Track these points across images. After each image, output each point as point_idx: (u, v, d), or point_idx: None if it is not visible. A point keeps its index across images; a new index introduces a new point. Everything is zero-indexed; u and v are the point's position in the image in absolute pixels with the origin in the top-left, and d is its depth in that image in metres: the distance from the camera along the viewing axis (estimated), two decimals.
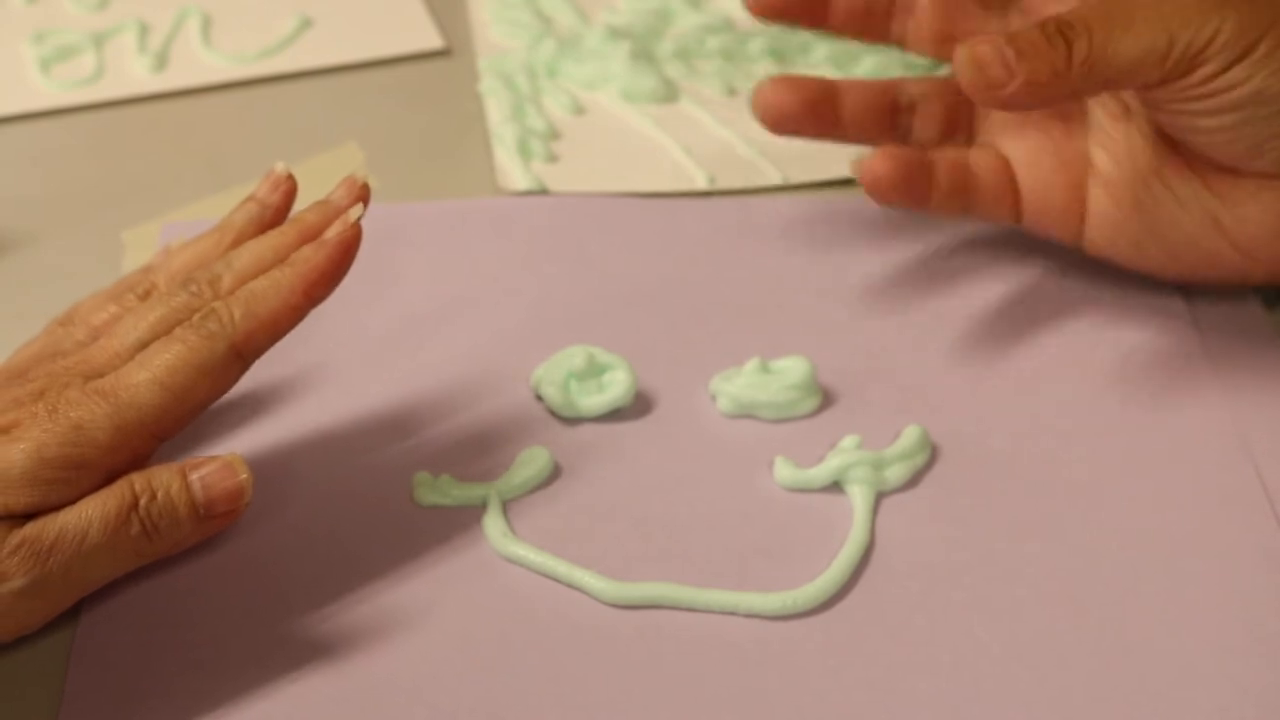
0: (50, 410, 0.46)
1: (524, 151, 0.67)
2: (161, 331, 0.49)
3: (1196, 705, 0.47)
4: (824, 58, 0.72)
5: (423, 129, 0.69)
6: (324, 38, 0.74)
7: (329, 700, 0.47)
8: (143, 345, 0.49)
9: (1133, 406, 0.56)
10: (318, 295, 0.50)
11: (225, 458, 0.48)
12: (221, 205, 0.62)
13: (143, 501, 0.46)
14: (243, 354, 0.49)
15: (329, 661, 0.48)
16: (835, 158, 0.66)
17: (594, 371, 0.56)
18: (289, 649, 0.48)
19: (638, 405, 0.56)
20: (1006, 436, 0.55)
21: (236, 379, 0.49)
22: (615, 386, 0.56)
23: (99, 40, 0.73)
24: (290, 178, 0.55)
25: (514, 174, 0.66)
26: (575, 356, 0.56)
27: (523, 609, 0.50)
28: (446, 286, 0.61)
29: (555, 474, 0.54)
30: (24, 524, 0.45)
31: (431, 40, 0.74)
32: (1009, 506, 0.53)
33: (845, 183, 0.66)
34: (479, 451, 0.54)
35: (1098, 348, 0.58)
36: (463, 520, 0.52)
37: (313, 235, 0.51)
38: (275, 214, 0.55)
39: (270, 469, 0.54)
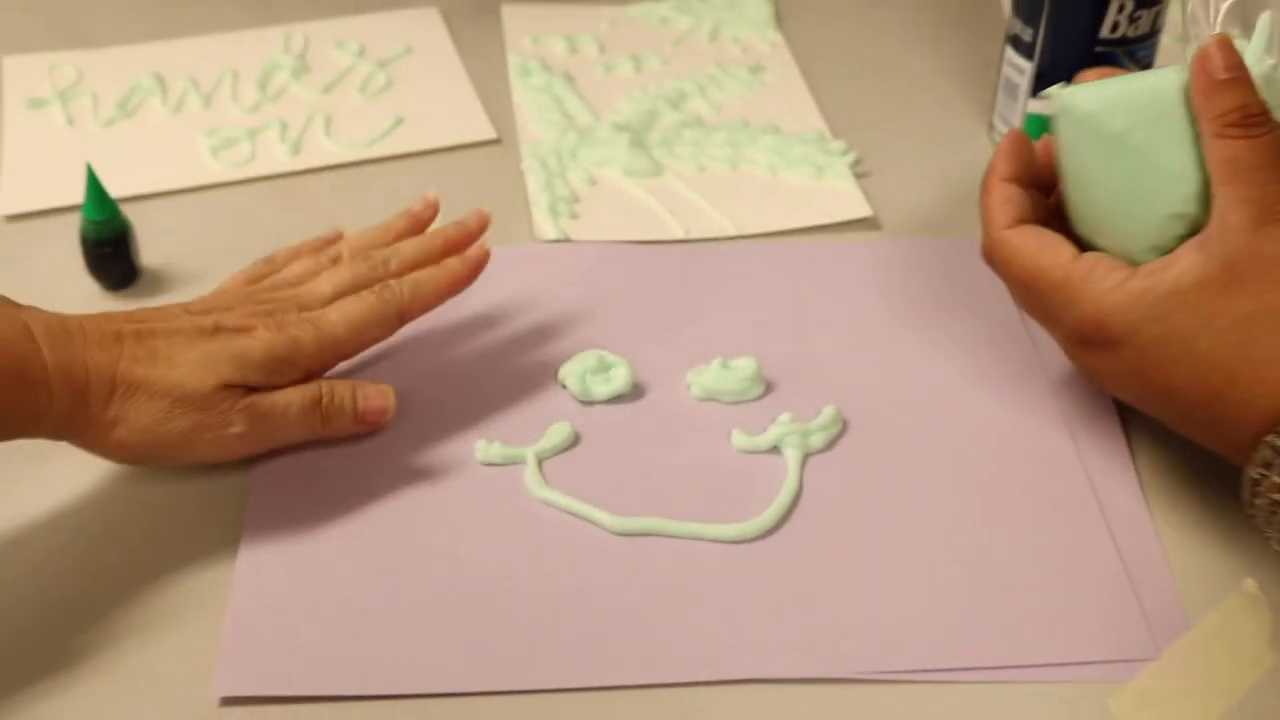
0: (279, 325, 0.51)
1: (554, 212, 0.67)
2: (348, 289, 0.54)
3: (1023, 588, 0.48)
4: (764, 148, 0.71)
5: (481, 195, 0.68)
6: (411, 131, 0.74)
7: (414, 584, 0.48)
8: (336, 295, 0.54)
9: (987, 394, 0.56)
10: (456, 292, 0.56)
11: (382, 386, 0.53)
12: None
13: (324, 399, 0.52)
14: (403, 318, 0.54)
15: (415, 565, 0.49)
16: (773, 216, 0.66)
17: (603, 368, 0.56)
18: (394, 549, 0.49)
19: (634, 392, 0.56)
20: (898, 414, 0.55)
21: (393, 333, 0.54)
22: (618, 379, 0.56)
23: (252, 134, 0.73)
24: (436, 201, 0.60)
25: (546, 227, 0.66)
26: (590, 357, 0.56)
27: (552, 536, 0.50)
28: (498, 308, 0.61)
29: (576, 441, 0.54)
30: (250, 394, 0.50)
31: (487, 132, 0.74)
32: (899, 463, 0.53)
33: (782, 233, 0.66)
34: (521, 425, 0.54)
35: (966, 356, 0.58)
36: (509, 474, 0.53)
37: (453, 246, 0.57)
38: (423, 224, 0.60)
39: (381, 434, 0.54)
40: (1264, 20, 0.49)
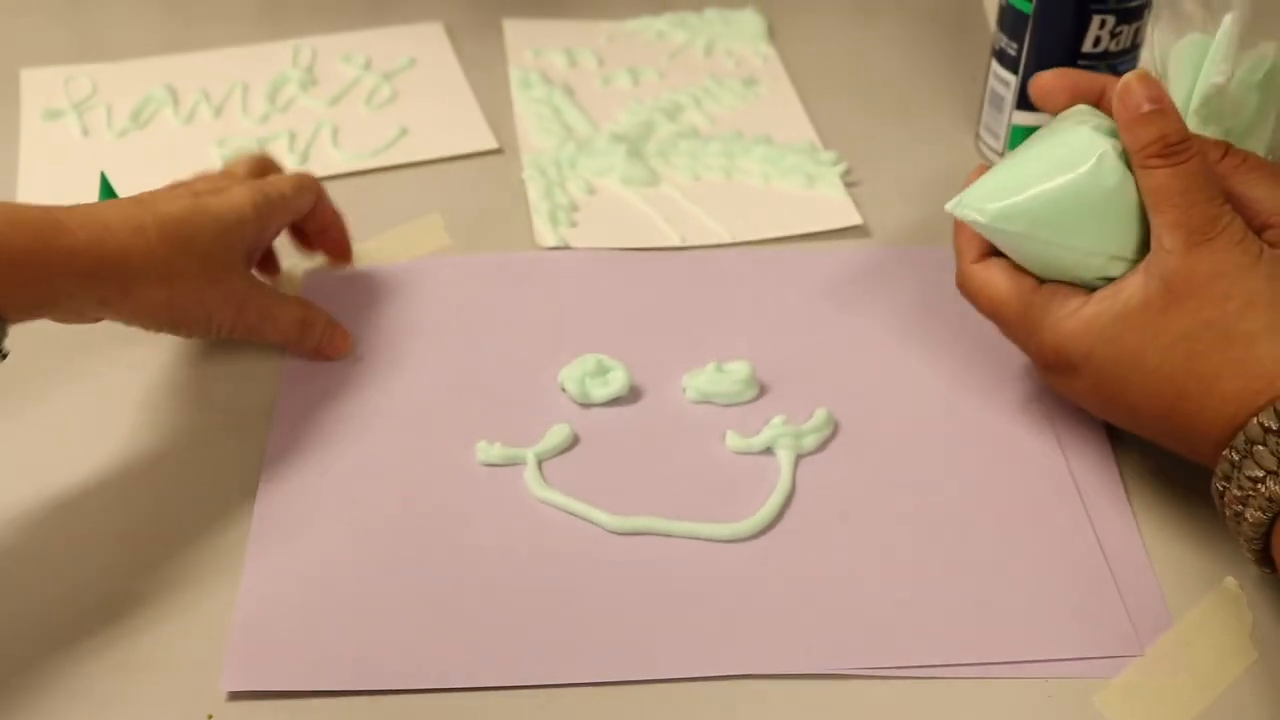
0: (245, 184, 0.55)
1: (554, 220, 0.66)
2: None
3: (1010, 586, 0.48)
4: (757, 158, 0.71)
5: (483, 204, 0.68)
6: (416, 141, 0.73)
7: (418, 582, 0.48)
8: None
9: (974, 397, 0.56)
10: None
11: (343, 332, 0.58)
12: None
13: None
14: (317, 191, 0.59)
15: (419, 563, 0.48)
16: (766, 224, 0.66)
17: (601, 371, 0.56)
18: (398, 547, 0.49)
19: (631, 395, 0.56)
20: (888, 417, 0.55)
21: (311, 204, 0.59)
22: (616, 382, 0.55)
23: (262, 143, 0.73)
24: None
25: (547, 235, 0.65)
26: (589, 361, 0.56)
27: (551, 535, 0.50)
28: (500, 313, 0.60)
29: (575, 442, 0.54)
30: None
31: (490, 143, 0.73)
32: (889, 465, 0.53)
33: (775, 241, 0.65)
34: (521, 426, 0.54)
35: (953, 360, 0.58)
36: (510, 474, 0.52)
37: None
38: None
39: (384, 436, 0.54)
40: (1227, 22, 0.50)
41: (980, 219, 0.49)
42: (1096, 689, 0.45)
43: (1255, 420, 0.43)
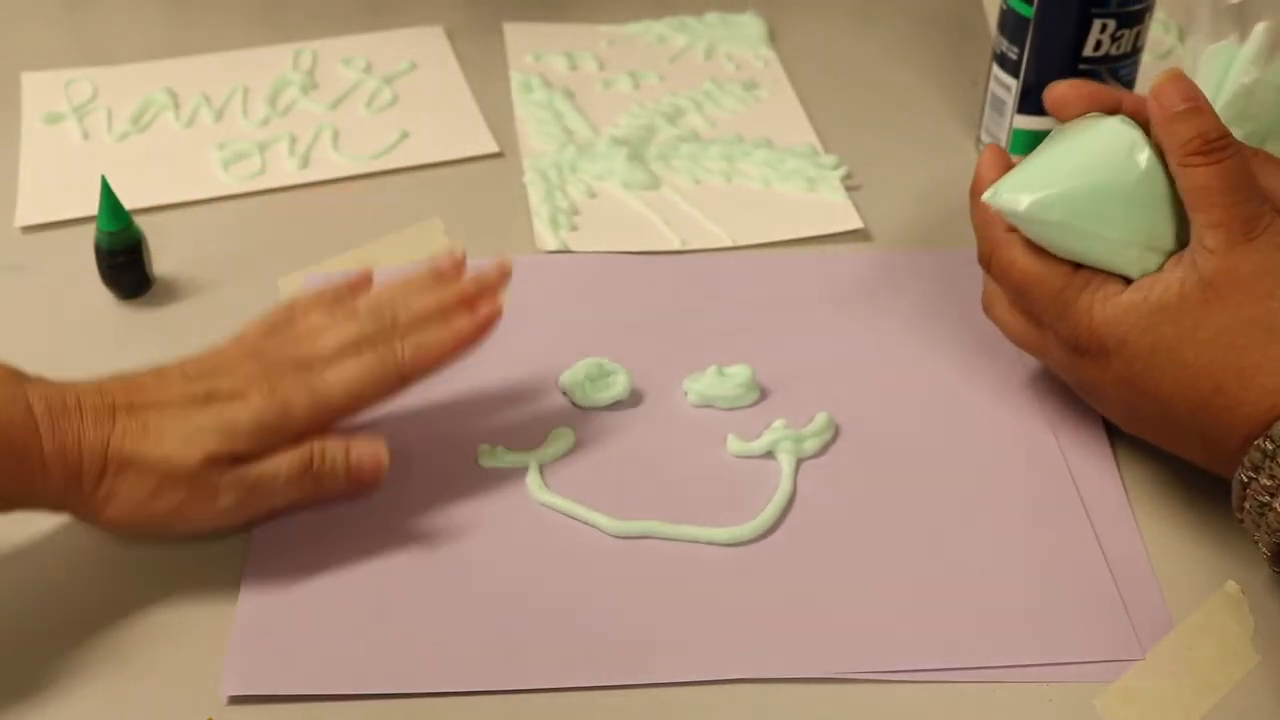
0: (271, 390, 0.48)
1: (554, 224, 0.66)
2: (352, 346, 0.50)
3: (1011, 590, 0.48)
4: (758, 161, 0.71)
5: (484, 208, 0.69)
6: (417, 145, 0.74)
7: (419, 586, 0.48)
8: (340, 352, 0.50)
9: (974, 401, 0.56)
10: (460, 351, 0.52)
11: (376, 444, 0.49)
12: (348, 262, 0.63)
13: (316, 461, 0.48)
14: (404, 380, 0.51)
15: (419, 567, 0.49)
16: (767, 228, 0.66)
17: (602, 375, 0.56)
18: (399, 551, 0.49)
19: (632, 399, 0.56)
20: (888, 421, 0.55)
21: (395, 395, 0.51)
22: (617, 385, 0.55)
23: (263, 147, 0.73)
24: (463, 257, 0.54)
25: (547, 239, 0.65)
26: (589, 365, 0.56)
27: (552, 539, 0.50)
28: (502, 318, 0.60)
29: (576, 446, 0.54)
30: (237, 465, 0.47)
31: (490, 147, 0.73)
32: (890, 468, 0.53)
33: (776, 244, 0.66)
34: (523, 430, 0.54)
35: (953, 364, 0.58)
36: (512, 477, 0.52)
37: (468, 300, 0.52)
38: (448, 281, 0.53)
39: (388, 439, 0.53)
40: (1259, 30, 0.51)
41: (1018, 209, 0.49)
42: (1097, 692, 0.45)
43: None
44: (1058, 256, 0.49)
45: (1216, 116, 0.47)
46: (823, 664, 0.45)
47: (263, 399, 0.48)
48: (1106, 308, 0.47)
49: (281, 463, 0.48)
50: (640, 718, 0.44)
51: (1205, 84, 0.52)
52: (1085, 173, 0.48)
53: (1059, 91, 0.52)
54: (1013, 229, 0.51)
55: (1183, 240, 0.48)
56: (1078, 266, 0.49)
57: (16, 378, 0.46)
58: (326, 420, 0.49)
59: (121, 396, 0.47)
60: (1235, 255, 0.45)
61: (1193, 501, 0.51)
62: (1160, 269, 0.47)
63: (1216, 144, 0.46)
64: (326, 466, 0.49)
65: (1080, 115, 0.51)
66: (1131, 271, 0.48)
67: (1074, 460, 0.53)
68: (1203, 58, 0.52)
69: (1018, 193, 0.49)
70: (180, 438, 0.46)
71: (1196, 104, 0.46)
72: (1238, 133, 0.51)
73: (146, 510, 0.46)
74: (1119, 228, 0.48)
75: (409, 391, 0.53)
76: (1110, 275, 0.48)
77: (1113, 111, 0.51)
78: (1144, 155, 0.48)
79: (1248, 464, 0.44)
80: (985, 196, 0.50)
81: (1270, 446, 0.43)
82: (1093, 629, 0.47)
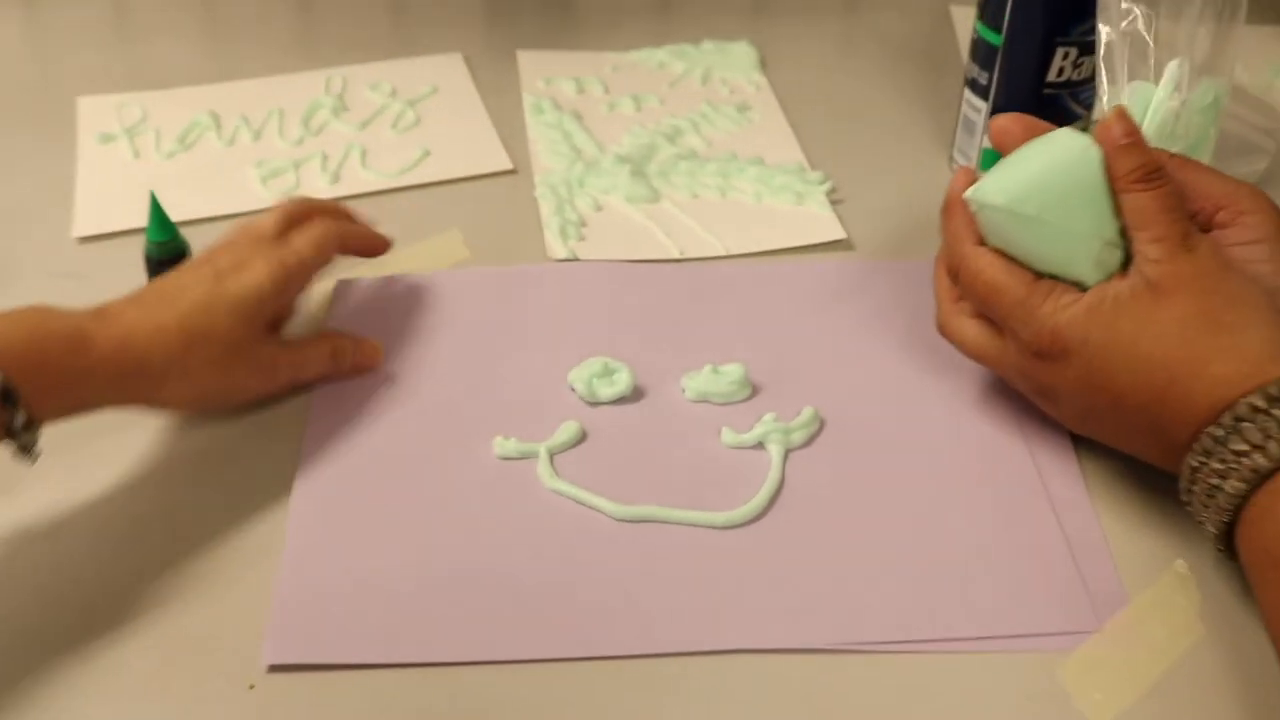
0: (264, 258, 0.53)
1: (563, 234, 0.66)
2: (302, 226, 0.56)
3: (980, 568, 0.48)
4: (750, 178, 0.71)
5: (499, 220, 0.69)
6: (438, 162, 0.74)
7: (441, 563, 0.48)
8: (297, 231, 0.56)
9: (947, 396, 0.56)
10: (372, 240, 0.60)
11: (374, 343, 0.57)
12: (374, 269, 0.63)
13: (334, 340, 0.57)
14: (343, 239, 0.58)
15: (442, 546, 0.49)
16: (758, 238, 0.66)
17: (608, 372, 0.56)
18: (424, 532, 0.49)
19: (635, 394, 0.56)
20: (869, 415, 0.55)
21: (338, 252, 0.57)
22: (621, 382, 0.55)
23: (297, 164, 0.73)
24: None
25: (557, 248, 0.65)
26: (596, 363, 0.56)
27: (561, 523, 0.50)
28: (515, 320, 0.61)
29: (583, 437, 0.54)
30: (274, 334, 0.55)
31: (505, 164, 0.73)
32: (870, 458, 0.53)
33: (766, 253, 0.66)
34: (535, 423, 0.54)
35: (928, 363, 0.58)
36: (524, 466, 0.52)
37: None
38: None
39: (411, 432, 0.54)
40: (1173, 66, 0.53)
41: (999, 201, 0.49)
42: (1058, 661, 0.45)
43: (1244, 400, 0.43)
44: (1021, 266, 0.50)
45: (1152, 150, 0.48)
46: (809, 636, 0.45)
47: (265, 263, 0.53)
48: (1068, 311, 0.48)
49: (308, 341, 0.55)
50: (641, 685, 0.44)
51: (1134, 104, 0.54)
52: (1050, 173, 0.49)
53: (1001, 123, 0.53)
54: (981, 242, 0.51)
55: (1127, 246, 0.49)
56: (1038, 277, 0.49)
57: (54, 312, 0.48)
58: (310, 270, 0.55)
59: (153, 295, 0.51)
60: (1177, 262, 0.46)
61: (1145, 489, 0.51)
62: (1110, 279, 0.48)
63: (1155, 174, 0.47)
64: (343, 343, 0.56)
65: (1023, 144, 0.52)
66: (1092, 270, 0.48)
67: (1037, 451, 0.53)
68: (1125, 94, 0.54)
69: (997, 191, 0.49)
70: (225, 308, 0.51)
71: (1136, 139, 0.48)
72: (1171, 145, 0.53)
73: (205, 381, 0.50)
74: (1086, 221, 0.48)
75: (433, 389, 0.53)
76: (1067, 286, 0.49)
77: None
78: (1095, 153, 0.49)
79: (1199, 449, 0.44)
80: (967, 194, 0.50)
81: (1221, 433, 0.43)
82: (1055, 604, 0.47)
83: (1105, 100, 0.55)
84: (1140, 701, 0.44)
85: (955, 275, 0.52)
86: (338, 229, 0.57)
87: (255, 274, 0.52)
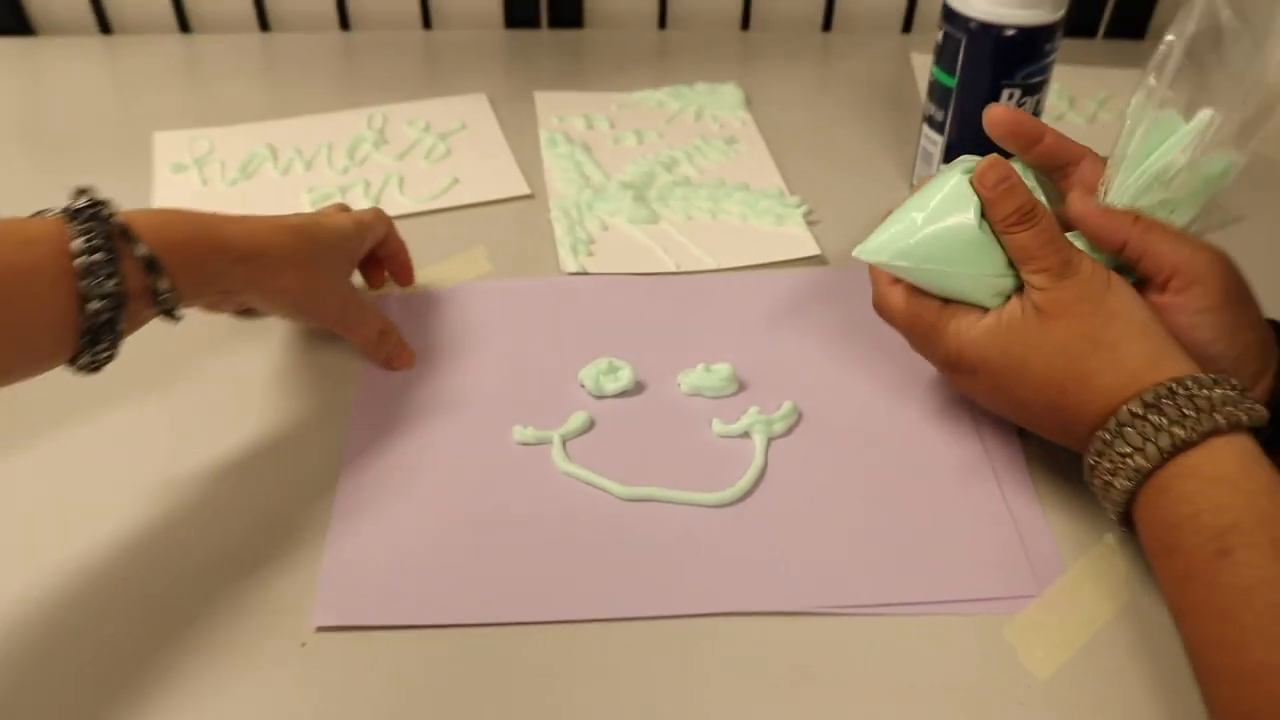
0: (344, 214, 0.57)
1: (575, 251, 0.66)
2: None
3: (937, 541, 0.47)
4: (737, 202, 0.71)
5: (518, 238, 0.68)
6: (465, 189, 0.74)
7: (468, 537, 0.48)
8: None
9: (909, 391, 0.56)
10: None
11: (410, 349, 0.57)
12: (411, 282, 0.63)
13: (386, 323, 0.57)
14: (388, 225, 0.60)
15: (468, 520, 0.48)
16: (744, 254, 0.66)
17: (612, 370, 0.56)
18: (453, 508, 0.49)
19: (637, 389, 0.56)
20: (841, 407, 0.55)
21: (384, 233, 0.59)
22: (624, 378, 0.55)
23: (343, 190, 0.73)
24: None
25: (569, 263, 0.65)
26: (602, 362, 0.56)
27: (572, 500, 0.50)
28: (532, 325, 0.60)
29: (591, 426, 0.54)
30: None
31: (523, 190, 0.73)
32: (842, 445, 0.53)
33: (751, 267, 0.65)
34: (550, 413, 0.54)
35: (892, 361, 0.58)
36: (540, 452, 0.52)
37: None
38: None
39: (442, 421, 0.54)
40: (1203, 117, 0.47)
41: (881, 259, 0.49)
42: (1005, 623, 0.45)
43: (1125, 408, 0.43)
44: (927, 299, 0.49)
45: (1027, 191, 0.46)
46: (789, 600, 0.46)
47: (345, 215, 0.56)
48: (969, 334, 0.47)
49: (371, 308, 0.56)
50: (643, 644, 0.44)
51: (1142, 143, 0.48)
52: (933, 222, 0.47)
53: (994, 114, 0.50)
54: (893, 283, 0.50)
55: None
56: (945, 304, 0.49)
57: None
58: (374, 234, 0.58)
59: (265, 217, 0.51)
60: (1059, 289, 0.45)
61: (1079, 472, 0.51)
62: (1007, 300, 0.47)
63: (1030, 214, 0.46)
64: (392, 331, 0.57)
65: (1005, 137, 0.50)
66: (990, 299, 0.48)
67: (987, 438, 0.53)
68: (1147, 119, 0.47)
69: (880, 248, 0.49)
70: (324, 231, 0.53)
71: (1010, 184, 0.46)
72: (1154, 195, 0.48)
73: (308, 276, 0.51)
74: (967, 264, 0.47)
75: (461, 384, 0.53)
76: (970, 308, 0.48)
77: (1036, 141, 0.50)
78: (976, 201, 0.47)
79: (1092, 450, 0.44)
80: (854, 253, 0.50)
81: (1108, 437, 0.43)
82: (1002, 573, 0.47)
83: (1143, 94, 0.47)
84: (1076, 656, 0.44)
85: (879, 310, 0.52)
86: (387, 216, 0.60)
87: (342, 219, 0.55)
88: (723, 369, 0.56)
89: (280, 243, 0.50)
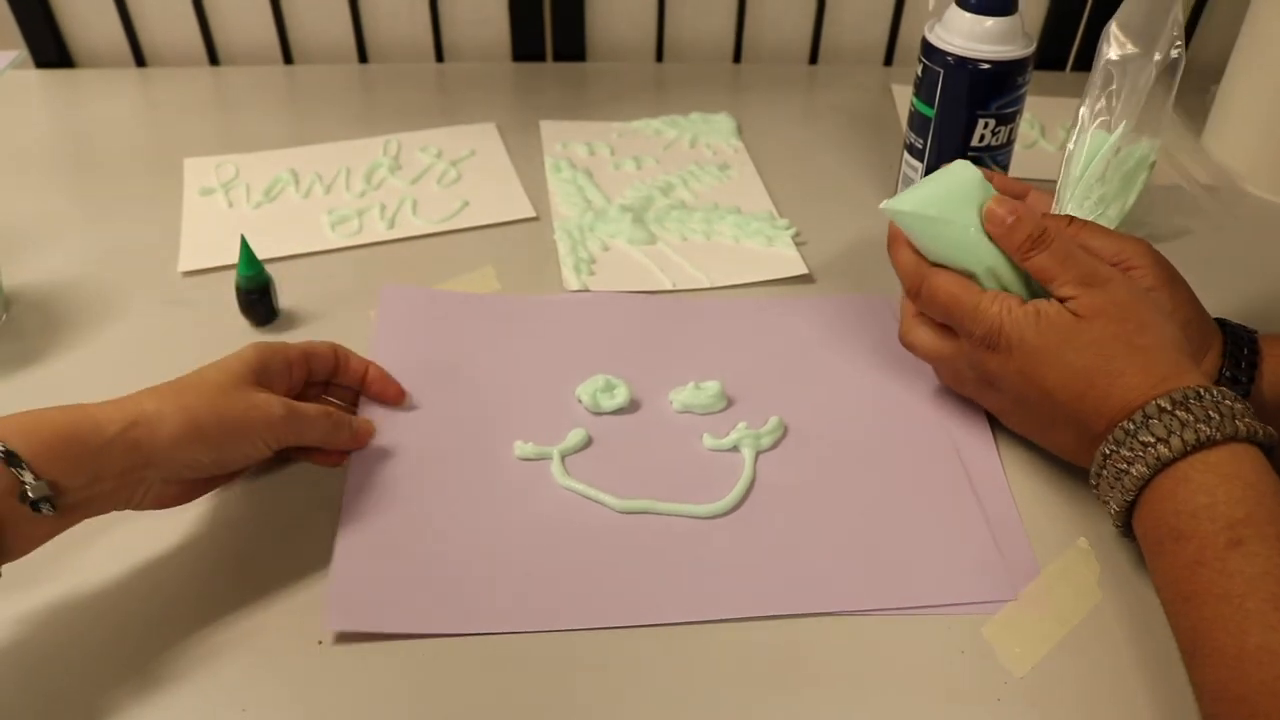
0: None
1: (577, 270, 0.65)
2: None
3: (917, 548, 0.47)
4: (730, 224, 0.70)
5: (524, 258, 0.68)
6: (475, 211, 0.73)
7: (469, 547, 0.47)
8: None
9: (890, 407, 0.55)
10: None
11: (369, 423, 0.51)
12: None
13: (334, 413, 0.49)
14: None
15: (470, 531, 0.47)
16: (736, 273, 0.65)
17: (609, 388, 0.55)
18: (456, 520, 0.48)
19: (632, 406, 0.55)
20: (825, 422, 0.54)
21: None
22: (620, 396, 0.54)
23: (360, 213, 0.72)
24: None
25: (572, 281, 0.64)
26: (599, 379, 0.55)
27: (570, 513, 0.49)
28: (534, 342, 0.60)
29: (589, 442, 0.53)
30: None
31: (529, 212, 0.73)
32: (826, 458, 0.52)
33: (742, 286, 0.65)
34: (549, 430, 0.53)
35: (874, 379, 0.57)
36: (540, 466, 0.51)
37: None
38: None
39: (445, 435, 0.53)
40: (1122, 126, 0.56)
41: (907, 206, 0.50)
42: (983, 623, 0.44)
43: (1154, 402, 0.43)
44: (970, 282, 0.49)
45: (1036, 217, 0.48)
46: (779, 605, 0.45)
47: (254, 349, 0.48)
48: (1012, 314, 0.47)
49: (310, 406, 0.48)
50: (638, 652, 0.43)
51: (1085, 150, 0.57)
52: (944, 185, 0.50)
53: (996, 214, 0.49)
54: (937, 264, 0.50)
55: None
56: (983, 289, 0.49)
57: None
58: (312, 348, 0.51)
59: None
60: (1089, 295, 0.46)
61: (1053, 481, 0.51)
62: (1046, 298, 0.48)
63: (1042, 238, 0.47)
64: (343, 419, 0.49)
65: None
66: (995, 255, 0.49)
67: (964, 450, 0.52)
68: (1087, 137, 0.56)
69: (905, 200, 0.50)
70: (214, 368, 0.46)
71: (1018, 216, 0.48)
72: (1099, 191, 0.56)
73: (209, 409, 0.43)
74: (974, 215, 0.49)
75: (464, 400, 0.52)
76: (1008, 295, 0.48)
77: (1020, 197, 0.54)
78: (974, 172, 0.50)
79: (1112, 440, 0.44)
80: (883, 205, 0.51)
81: (1132, 427, 0.43)
82: (980, 576, 0.46)
83: (1075, 136, 0.57)
84: (1051, 654, 0.43)
85: (916, 293, 0.51)
86: (333, 345, 0.52)
87: (245, 350, 0.47)
88: (712, 386, 0.55)
89: (153, 392, 0.43)
